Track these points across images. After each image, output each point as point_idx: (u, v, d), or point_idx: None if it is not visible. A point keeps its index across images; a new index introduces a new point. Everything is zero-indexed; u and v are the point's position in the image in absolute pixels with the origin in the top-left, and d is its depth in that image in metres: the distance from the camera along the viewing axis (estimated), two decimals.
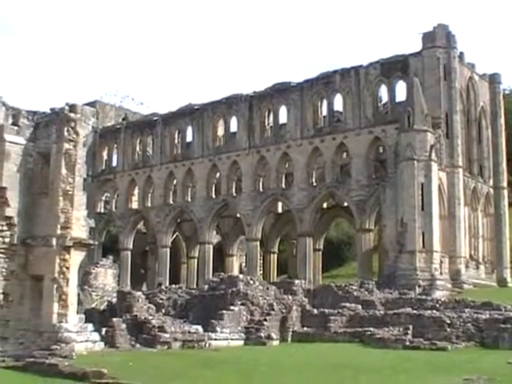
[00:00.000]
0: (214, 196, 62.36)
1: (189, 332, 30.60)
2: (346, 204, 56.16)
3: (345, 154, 56.76)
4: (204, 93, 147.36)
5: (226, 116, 62.55)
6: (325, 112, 57.37)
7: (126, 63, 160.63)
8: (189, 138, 65.34)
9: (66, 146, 28.76)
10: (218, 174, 62.73)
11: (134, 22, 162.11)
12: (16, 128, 30.20)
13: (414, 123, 48.28)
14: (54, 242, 27.98)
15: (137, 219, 67.85)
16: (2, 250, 28.29)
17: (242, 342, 32.15)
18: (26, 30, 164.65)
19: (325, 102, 57.26)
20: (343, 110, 55.99)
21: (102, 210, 70.75)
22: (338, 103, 56.71)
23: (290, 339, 33.65)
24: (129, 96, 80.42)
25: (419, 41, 52.26)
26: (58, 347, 26.26)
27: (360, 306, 35.87)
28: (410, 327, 31.24)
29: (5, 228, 28.49)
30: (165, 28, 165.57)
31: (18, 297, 28.59)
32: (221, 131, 63.72)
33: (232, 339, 31.83)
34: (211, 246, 62.06)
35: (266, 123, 60.22)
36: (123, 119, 75.12)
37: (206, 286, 39.73)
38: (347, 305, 35.77)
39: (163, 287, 43.06)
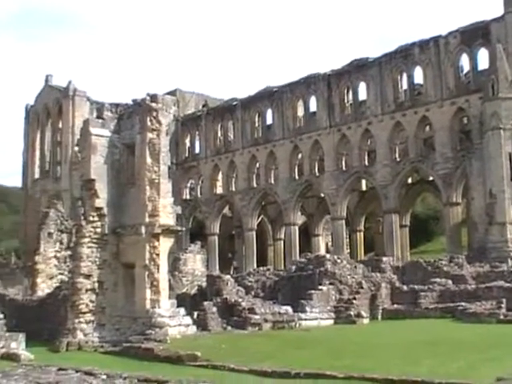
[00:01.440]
0: (297, 177, 62.43)
1: (279, 313, 30.85)
2: (431, 178, 55.26)
3: (428, 127, 55.74)
4: (282, 74, 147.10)
5: (305, 96, 62.38)
6: (405, 86, 56.45)
7: (202, 51, 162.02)
8: (269, 121, 65.55)
9: (150, 135, 29.33)
10: (299, 155, 62.74)
11: (207, 10, 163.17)
12: (101, 121, 31.01)
13: (499, 91, 46.89)
14: (143, 230, 28.66)
15: (222, 204, 68.69)
16: (95, 240, 29.22)
17: (331, 322, 32.20)
18: (104, 26, 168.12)
19: (404, 76, 56.33)
20: (424, 83, 54.93)
21: (188, 197, 71.93)
22: (418, 76, 55.74)
23: (380, 317, 33.50)
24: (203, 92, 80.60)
25: (501, 5, 50.60)
26: (153, 332, 26.97)
27: (450, 281, 35.29)
28: (504, 301, 30.56)
29: (96, 219, 29.39)
30: (239, 14, 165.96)
31: (111, 284, 29.48)
32: (300, 112, 63.61)
33: (322, 319, 31.92)
34: (296, 227, 62.24)
35: (346, 101, 59.72)
36: (203, 106, 75.93)
37: (294, 267, 39.89)
38: (437, 280, 35.26)
39: (250, 270, 43.46)
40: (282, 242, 66.17)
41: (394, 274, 37.67)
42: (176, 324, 28.23)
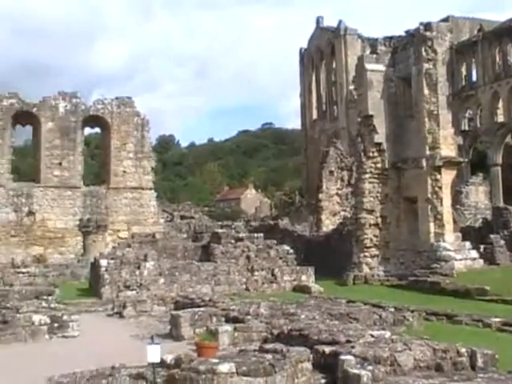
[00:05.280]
0: None
1: None
2: None
3: None
4: None
5: None
6: None
7: None
8: None
9: (426, 65, 28.62)
10: None
11: None
12: (374, 56, 30.92)
13: None
14: (424, 163, 28.26)
15: (504, 133, 64.94)
16: (375, 176, 29.49)
17: None
18: None
19: None
20: None
21: (466, 128, 69.34)
22: None
23: None
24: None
25: None
26: (438, 266, 26.72)
27: None
28: None
29: (375, 154, 29.60)
30: None
31: (394, 219, 29.64)
32: None
33: None
34: None
35: None
36: (478, 30, 71.97)
37: None
38: None
39: None
40: None
41: None
42: (462, 257, 27.66)
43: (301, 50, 77.19)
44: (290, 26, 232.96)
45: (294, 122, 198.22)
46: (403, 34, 31.30)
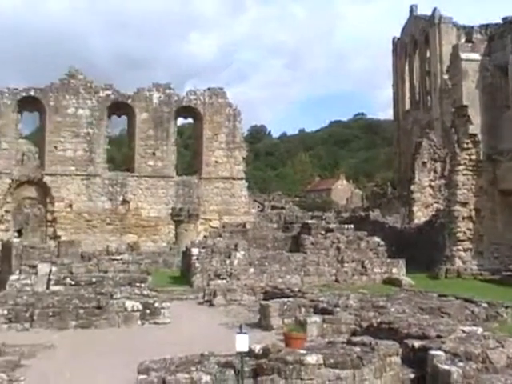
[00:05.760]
0: None
1: None
2: None
3: None
4: None
5: None
6: None
7: None
8: None
9: None
10: None
11: None
12: (470, 45, 30.12)
13: None
14: None
15: None
16: (470, 167, 28.78)
17: None
18: None
19: None
20: None
21: None
22: None
23: None
24: None
25: None
26: None
27: None
28: None
29: (470, 145, 28.86)
30: None
31: (488, 212, 28.86)
32: None
33: None
34: None
35: None
36: None
37: None
38: None
39: None
40: None
41: None
42: None
43: (394, 39, 75.97)
44: (382, 14, 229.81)
45: (386, 113, 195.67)
46: (500, 21, 30.33)
